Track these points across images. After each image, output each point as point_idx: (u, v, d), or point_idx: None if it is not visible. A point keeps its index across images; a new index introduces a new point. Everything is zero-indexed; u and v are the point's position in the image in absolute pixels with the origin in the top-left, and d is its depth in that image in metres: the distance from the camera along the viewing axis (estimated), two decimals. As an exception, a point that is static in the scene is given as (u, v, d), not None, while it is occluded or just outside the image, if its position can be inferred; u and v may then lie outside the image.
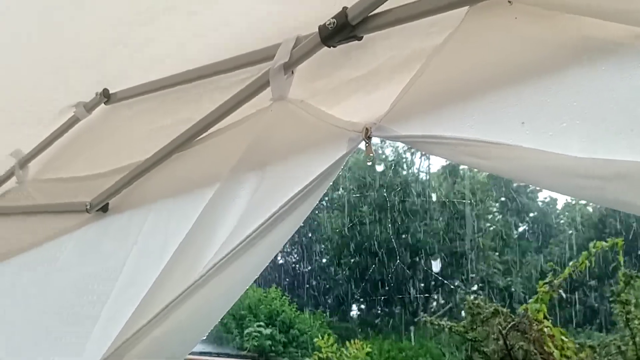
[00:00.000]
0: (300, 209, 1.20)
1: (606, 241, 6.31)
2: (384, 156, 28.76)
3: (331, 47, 1.21)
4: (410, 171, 30.08)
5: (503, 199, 28.68)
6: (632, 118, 0.86)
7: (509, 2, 1.00)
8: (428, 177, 30.50)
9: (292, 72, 1.28)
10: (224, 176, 1.34)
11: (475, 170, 26.60)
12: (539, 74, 0.95)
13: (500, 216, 28.73)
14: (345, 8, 1.15)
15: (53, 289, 1.79)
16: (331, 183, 1.19)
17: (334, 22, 1.17)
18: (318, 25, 1.19)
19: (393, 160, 28.66)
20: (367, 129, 1.12)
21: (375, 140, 1.14)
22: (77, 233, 1.80)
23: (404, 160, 29.56)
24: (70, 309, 1.67)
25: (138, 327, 1.34)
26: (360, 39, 1.19)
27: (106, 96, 1.74)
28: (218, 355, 13.53)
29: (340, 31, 1.16)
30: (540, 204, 29.71)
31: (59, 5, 1.37)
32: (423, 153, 28.75)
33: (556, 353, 5.95)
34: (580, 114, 0.90)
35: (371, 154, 1.11)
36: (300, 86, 1.30)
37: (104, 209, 1.74)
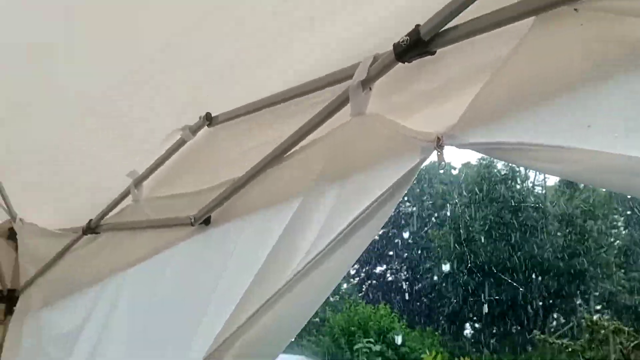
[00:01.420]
0: (377, 217, 1.26)
1: None
2: (495, 170, 27.88)
3: (405, 63, 1.27)
4: (524, 185, 28.89)
5: (629, 212, 26.73)
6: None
7: (575, 10, 1.01)
8: (544, 190, 29.13)
9: (370, 88, 1.35)
10: (309, 187, 1.43)
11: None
12: (604, 77, 0.96)
13: (626, 230, 26.76)
14: (417, 26, 1.21)
15: (163, 296, 1.96)
16: (405, 191, 1.25)
17: (407, 39, 1.23)
18: (393, 43, 1.26)
19: (505, 174, 27.69)
20: (438, 137, 1.17)
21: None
22: (183, 244, 1.96)
23: (517, 173, 28.44)
24: (177, 314, 1.83)
25: (234, 329, 1.46)
26: (433, 53, 1.24)
27: (208, 119, 1.91)
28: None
29: (414, 47, 1.22)
30: (671, 216, 27.32)
31: (161, 39, 1.55)
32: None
33: (685, 376, 5.46)
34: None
35: (442, 162, 1.16)
36: (377, 101, 1.37)
37: (207, 221, 1.89)
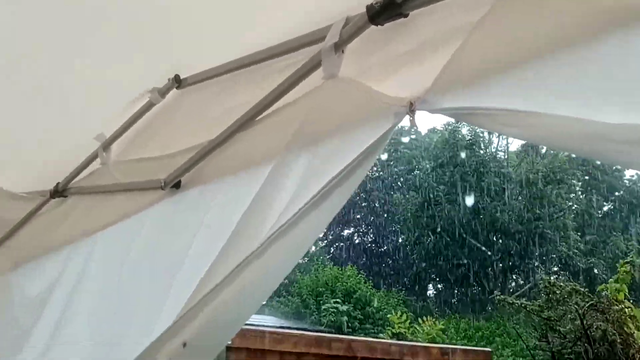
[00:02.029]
0: (350, 181, 1.27)
1: (695, 218, 5.98)
2: (460, 135, 28.21)
3: (378, 26, 1.27)
4: (487, 150, 29.36)
5: (587, 177, 27.50)
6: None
7: (548, -27, 1.02)
8: (506, 155, 29.67)
9: (342, 51, 1.35)
10: (281, 152, 1.43)
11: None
12: (574, 42, 0.97)
13: (583, 195, 27.57)
14: (391, -13, 1.20)
15: (135, 260, 1.96)
16: (378, 156, 1.26)
17: (380, 1, 1.22)
18: (366, 5, 1.25)
19: (470, 139, 28.04)
20: (411, 102, 1.17)
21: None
22: (154, 208, 1.95)
23: (481, 138, 28.84)
24: (149, 278, 1.83)
25: (205, 292, 1.47)
26: (406, 16, 1.23)
27: (177, 81, 1.87)
28: (297, 329, 13.95)
29: (387, 9, 1.21)
30: (627, 182, 28.22)
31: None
32: (501, 130, 27.82)
33: (637, 334, 5.73)
34: (615, 81, 0.92)
35: (415, 127, 1.17)
36: (350, 64, 1.36)
37: (177, 185, 1.88)
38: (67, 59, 1.78)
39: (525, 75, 1.03)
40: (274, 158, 1.45)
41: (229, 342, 4.31)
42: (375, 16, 1.24)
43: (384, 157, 31.89)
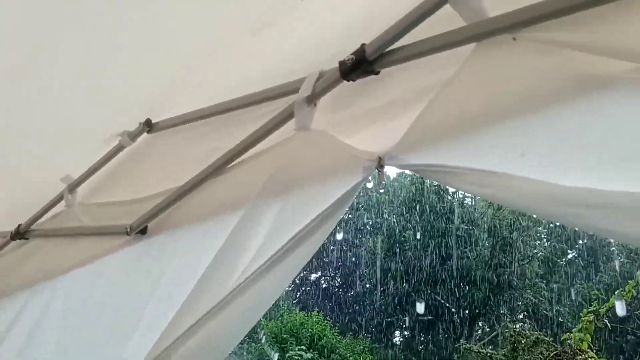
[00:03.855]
0: (318, 233, 1.28)
1: (655, 270, 6.13)
2: (428, 181, 28.55)
3: (350, 81, 1.30)
4: (455, 196, 29.71)
5: (551, 224, 27.97)
6: (627, 150, 0.91)
7: (513, 38, 1.06)
8: (473, 202, 30.06)
9: (315, 104, 1.38)
10: (250, 201, 1.43)
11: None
12: (540, 106, 1.01)
13: (548, 242, 28.02)
14: (363, 45, 1.24)
15: (96, 304, 1.91)
16: (347, 208, 1.27)
17: (353, 58, 1.26)
18: (338, 61, 1.29)
19: (438, 184, 28.38)
20: (380, 157, 1.20)
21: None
22: (119, 254, 1.91)
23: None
24: (111, 323, 1.78)
25: (171, 340, 1.43)
26: (377, 73, 1.27)
27: (148, 125, 1.88)
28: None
29: (359, 66, 1.25)
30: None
31: (103, 43, 1.51)
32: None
33: (600, 384, 5.78)
34: (577, 145, 0.95)
35: (383, 182, 1.19)
36: (322, 117, 1.39)
37: (143, 231, 1.85)
38: (38, 98, 1.77)
39: (492, 135, 1.06)
40: (244, 206, 1.45)
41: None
42: (348, 73, 1.27)
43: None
